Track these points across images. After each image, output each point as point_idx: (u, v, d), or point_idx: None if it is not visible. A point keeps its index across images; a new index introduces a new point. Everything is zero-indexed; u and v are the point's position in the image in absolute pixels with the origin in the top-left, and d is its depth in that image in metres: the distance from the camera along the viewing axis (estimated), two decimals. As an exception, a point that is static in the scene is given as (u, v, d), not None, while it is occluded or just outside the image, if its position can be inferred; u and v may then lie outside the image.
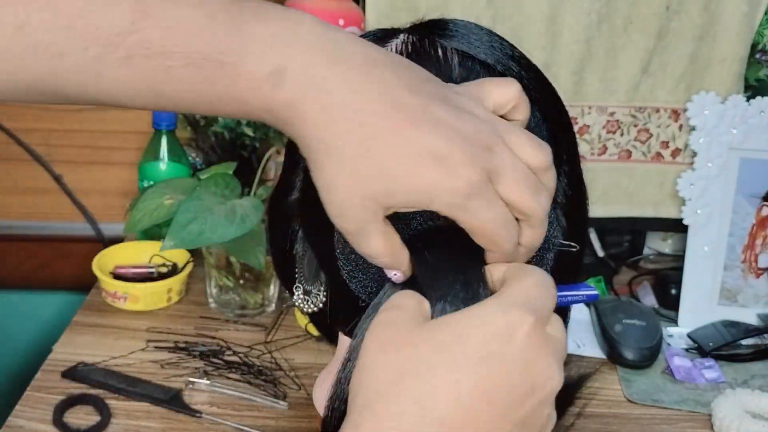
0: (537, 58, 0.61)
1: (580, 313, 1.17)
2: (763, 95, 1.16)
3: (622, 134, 1.21)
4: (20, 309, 1.45)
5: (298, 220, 0.53)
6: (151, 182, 1.17)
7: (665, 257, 1.35)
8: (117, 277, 1.16)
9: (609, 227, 1.30)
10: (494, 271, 0.44)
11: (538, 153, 0.44)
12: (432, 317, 0.43)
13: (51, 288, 1.43)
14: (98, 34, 0.41)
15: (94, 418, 0.94)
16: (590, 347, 1.13)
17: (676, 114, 1.20)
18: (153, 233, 1.21)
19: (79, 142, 1.38)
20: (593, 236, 1.30)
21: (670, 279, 1.24)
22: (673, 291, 1.22)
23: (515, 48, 0.52)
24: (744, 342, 1.15)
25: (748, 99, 1.16)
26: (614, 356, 1.10)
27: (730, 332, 1.15)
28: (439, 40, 0.51)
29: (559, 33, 1.15)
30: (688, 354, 1.13)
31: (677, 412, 1.02)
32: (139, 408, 0.97)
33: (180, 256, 1.19)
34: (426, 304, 0.43)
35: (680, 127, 1.21)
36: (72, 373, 1.01)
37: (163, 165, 1.23)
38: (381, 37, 0.52)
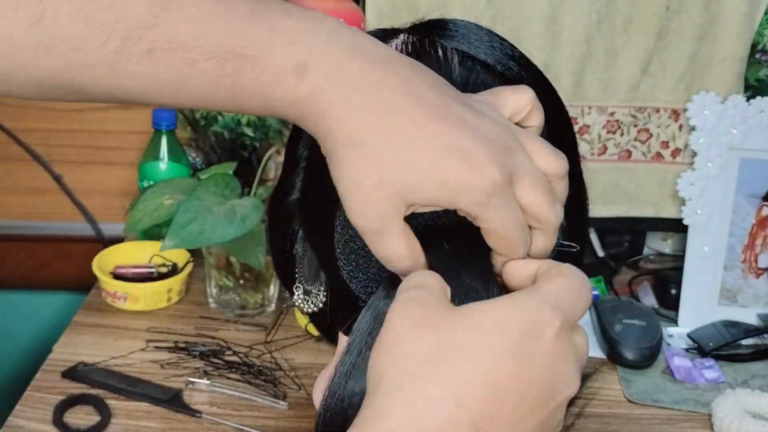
0: (537, 58, 0.61)
1: (580, 313, 1.17)
2: (763, 95, 1.16)
3: (622, 134, 1.21)
4: (20, 309, 1.45)
5: (298, 220, 0.53)
6: (151, 182, 1.17)
7: (665, 257, 1.35)
8: (117, 277, 1.16)
9: (609, 227, 1.30)
10: (526, 266, 0.43)
11: (554, 161, 0.44)
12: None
13: (51, 288, 1.43)
14: (118, 27, 0.41)
15: (94, 418, 0.94)
16: (590, 347, 1.11)
17: (676, 114, 1.20)
18: (153, 233, 1.21)
19: (79, 142, 1.38)
20: (593, 236, 1.30)
21: (670, 279, 1.24)
22: (673, 291, 1.22)
23: (515, 48, 0.52)
24: (744, 342, 1.15)
25: (748, 99, 1.16)
26: (614, 356, 1.10)
27: (730, 332, 1.15)
28: (439, 40, 0.51)
29: (559, 33, 1.15)
30: (688, 354, 1.13)
31: (677, 412, 1.02)
32: (139, 408, 0.97)
33: (180, 256, 1.19)
34: (448, 288, 0.42)
35: (680, 127, 1.21)
36: (72, 373, 1.01)
37: (163, 165, 1.23)
38: (381, 37, 0.52)
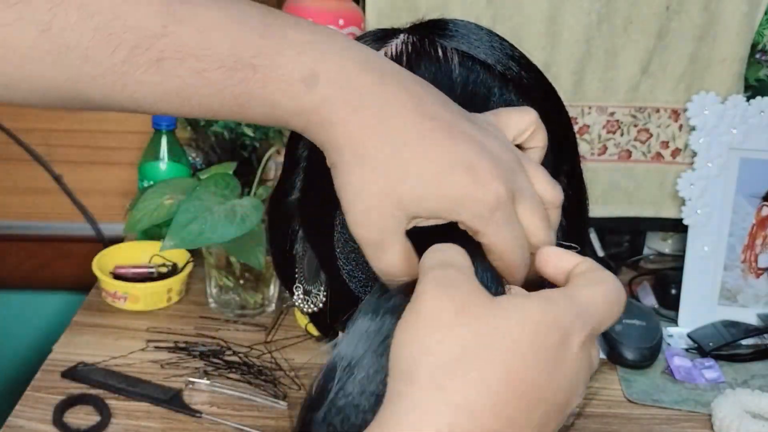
0: (537, 58, 0.61)
1: (580, 313, 1.17)
2: (763, 95, 1.16)
3: (622, 134, 1.21)
4: (20, 309, 1.45)
5: (298, 220, 0.53)
6: (151, 182, 1.17)
7: (665, 257, 1.35)
8: (117, 277, 1.16)
9: (609, 227, 1.30)
10: (565, 258, 0.42)
11: (552, 189, 0.44)
12: None
13: (51, 288, 1.43)
14: (127, 36, 0.41)
15: (94, 418, 0.94)
16: (590, 347, 1.13)
17: (676, 114, 1.20)
18: (153, 233, 1.21)
19: (79, 142, 1.38)
20: (593, 236, 1.30)
21: (670, 279, 1.24)
22: (673, 291, 1.22)
23: (515, 48, 0.52)
24: (744, 342, 1.15)
25: (748, 99, 1.16)
26: (614, 356, 1.10)
27: (730, 332, 1.15)
28: (439, 40, 0.51)
29: (559, 33, 1.15)
30: (688, 354, 1.13)
31: (677, 412, 1.02)
32: (139, 408, 0.97)
33: (180, 256, 1.19)
34: (472, 266, 0.40)
35: (680, 127, 1.21)
36: (72, 373, 1.01)
37: (163, 165, 1.23)
38: (381, 37, 0.52)
